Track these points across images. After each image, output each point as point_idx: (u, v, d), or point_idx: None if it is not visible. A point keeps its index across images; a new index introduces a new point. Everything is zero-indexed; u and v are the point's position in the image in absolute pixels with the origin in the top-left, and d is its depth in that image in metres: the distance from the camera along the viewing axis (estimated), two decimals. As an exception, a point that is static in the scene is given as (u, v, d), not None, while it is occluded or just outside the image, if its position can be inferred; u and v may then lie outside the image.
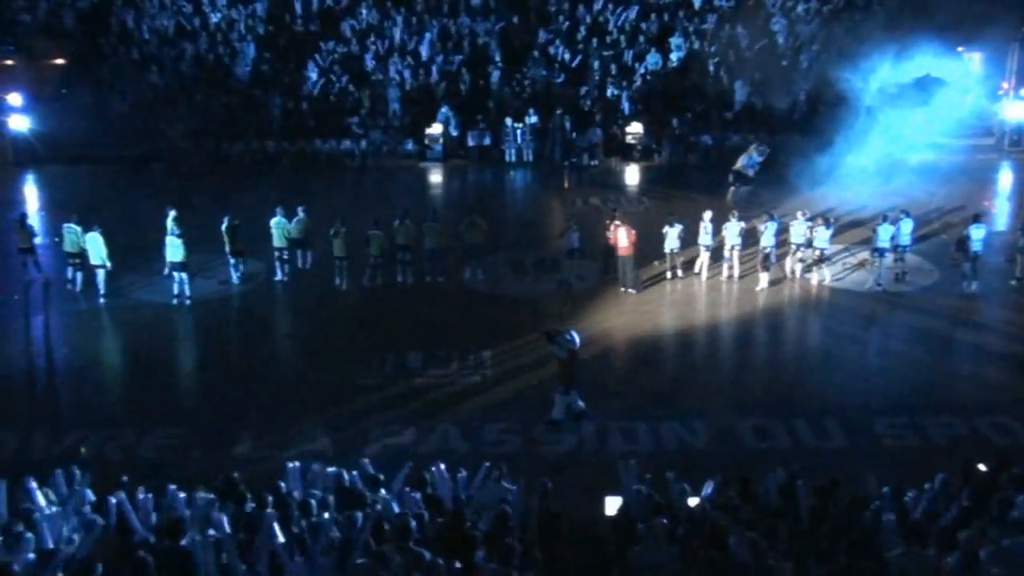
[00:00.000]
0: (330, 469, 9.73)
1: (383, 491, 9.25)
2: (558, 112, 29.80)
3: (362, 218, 19.85)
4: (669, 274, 19.30)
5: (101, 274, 18.50)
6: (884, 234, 18.52)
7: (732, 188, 24.56)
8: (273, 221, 19.21)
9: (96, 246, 18.32)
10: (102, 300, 18.52)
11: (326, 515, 8.42)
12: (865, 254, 19.64)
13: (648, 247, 19.47)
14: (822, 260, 19.11)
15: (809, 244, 19.00)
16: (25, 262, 19.17)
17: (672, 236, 19.01)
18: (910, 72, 26.81)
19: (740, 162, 24.65)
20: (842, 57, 27.83)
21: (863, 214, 21.96)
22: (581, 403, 13.65)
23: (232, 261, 19.29)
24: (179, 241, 18.24)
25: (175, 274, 18.47)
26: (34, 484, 8.81)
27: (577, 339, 13.47)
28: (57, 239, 19.27)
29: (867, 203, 22.60)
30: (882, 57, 26.31)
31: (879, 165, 24.95)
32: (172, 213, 19.16)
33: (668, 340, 17.02)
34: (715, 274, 19.41)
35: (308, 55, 31.25)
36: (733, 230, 19.01)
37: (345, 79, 30.91)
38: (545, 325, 14.88)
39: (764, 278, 18.89)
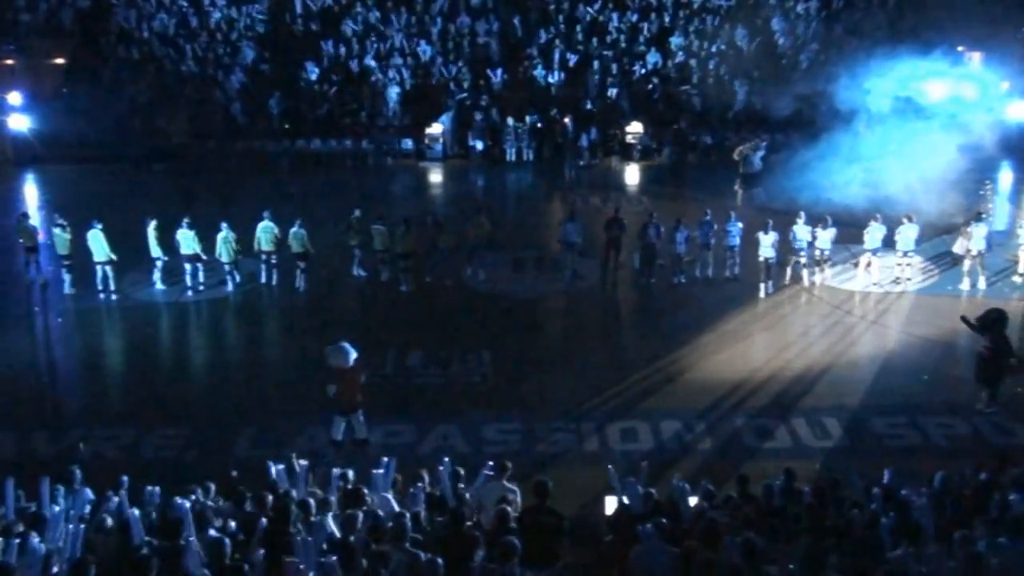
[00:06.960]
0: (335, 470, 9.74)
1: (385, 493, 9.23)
2: (558, 112, 29.78)
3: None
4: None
5: (108, 271, 18.42)
6: (874, 235, 18.78)
7: (740, 191, 24.50)
8: (260, 225, 18.97)
9: (98, 243, 18.28)
10: (113, 297, 18.46)
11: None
12: (866, 256, 19.64)
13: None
14: (824, 261, 19.11)
15: (811, 246, 18.98)
16: (28, 261, 19.12)
17: (680, 243, 19.09)
18: (907, 81, 26.71)
19: (742, 166, 24.62)
20: (842, 58, 27.75)
21: (863, 217, 21.89)
22: (364, 430, 12.56)
23: (227, 268, 19.01)
24: (191, 233, 18.35)
25: (187, 265, 18.58)
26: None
27: (353, 354, 12.31)
28: (49, 243, 19.20)
29: (866, 205, 22.52)
30: (882, 61, 26.21)
31: (875, 170, 24.88)
32: (153, 223, 18.77)
33: (666, 340, 16.99)
34: (718, 275, 19.49)
35: (308, 55, 31.25)
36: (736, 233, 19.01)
37: (343, 79, 30.91)
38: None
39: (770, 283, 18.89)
